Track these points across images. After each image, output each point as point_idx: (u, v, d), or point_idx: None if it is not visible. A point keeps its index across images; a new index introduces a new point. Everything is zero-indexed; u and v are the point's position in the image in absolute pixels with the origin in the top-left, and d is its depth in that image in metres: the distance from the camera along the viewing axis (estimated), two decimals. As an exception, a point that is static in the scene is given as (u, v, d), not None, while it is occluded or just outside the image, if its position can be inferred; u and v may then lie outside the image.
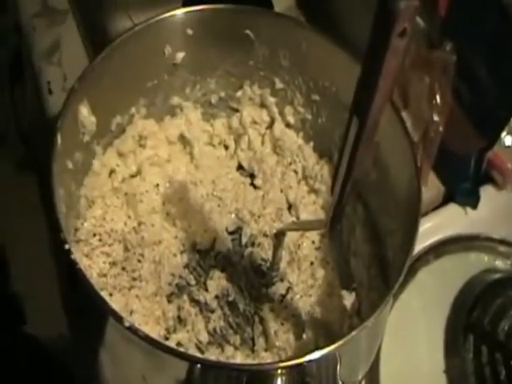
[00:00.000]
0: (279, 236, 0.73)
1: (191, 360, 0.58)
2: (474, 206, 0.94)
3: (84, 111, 0.71)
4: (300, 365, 0.57)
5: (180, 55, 0.79)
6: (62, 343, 0.84)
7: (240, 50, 0.82)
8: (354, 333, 0.59)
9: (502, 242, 0.93)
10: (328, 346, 0.58)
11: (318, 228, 0.74)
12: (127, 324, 0.56)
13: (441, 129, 0.89)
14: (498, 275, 0.90)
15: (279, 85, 0.84)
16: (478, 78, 0.87)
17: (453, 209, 0.94)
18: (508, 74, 0.84)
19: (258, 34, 0.80)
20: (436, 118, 0.89)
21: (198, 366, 0.57)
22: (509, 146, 0.95)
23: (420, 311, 0.86)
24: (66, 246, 0.60)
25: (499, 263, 0.93)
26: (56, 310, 0.84)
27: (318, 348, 0.58)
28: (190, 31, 0.78)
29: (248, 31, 0.80)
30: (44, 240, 0.89)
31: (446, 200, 0.95)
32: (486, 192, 0.95)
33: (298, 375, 0.59)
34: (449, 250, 0.91)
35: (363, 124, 0.51)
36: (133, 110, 0.79)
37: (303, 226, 0.77)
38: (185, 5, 0.79)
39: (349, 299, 0.68)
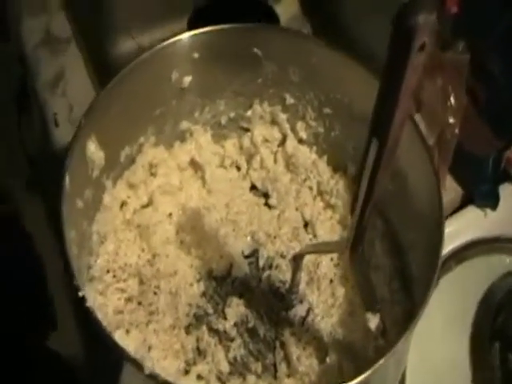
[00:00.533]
0: (297, 259, 0.70)
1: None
2: (494, 207, 0.91)
3: (92, 147, 0.68)
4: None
5: (187, 79, 0.77)
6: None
7: (248, 69, 0.79)
8: (382, 361, 0.57)
9: None
10: (357, 375, 0.56)
11: (337, 251, 0.72)
12: (147, 372, 0.55)
13: (456, 131, 0.86)
14: None
15: (290, 100, 0.81)
16: (493, 77, 0.85)
17: (472, 212, 0.91)
18: None
19: (265, 51, 0.77)
20: (451, 120, 0.86)
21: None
22: None
23: (443, 322, 0.84)
24: (80, 294, 0.58)
25: None
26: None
27: (346, 377, 0.59)
28: (196, 54, 0.75)
29: (255, 49, 0.77)
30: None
31: (465, 203, 0.92)
32: (505, 191, 0.92)
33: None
34: (470, 255, 0.89)
35: (383, 145, 0.49)
36: (142, 139, 0.76)
37: (322, 249, 0.74)
38: (189, 26, 0.78)
39: (373, 321, 0.67)
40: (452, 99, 0.85)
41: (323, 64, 0.76)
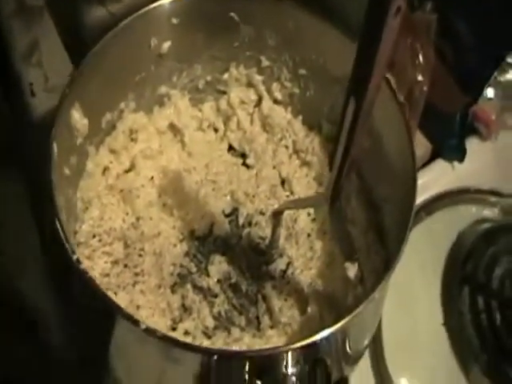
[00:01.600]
0: (277, 215, 0.70)
1: (210, 352, 0.57)
2: (461, 159, 0.92)
3: (76, 115, 0.67)
4: (310, 345, 0.56)
5: (166, 45, 0.74)
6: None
7: (225, 34, 0.77)
8: (360, 308, 0.57)
9: (491, 192, 0.91)
10: (337, 322, 0.56)
11: (316, 205, 0.71)
12: (144, 326, 0.54)
13: (425, 88, 0.85)
14: (488, 225, 0.89)
15: (265, 63, 0.80)
16: (460, 36, 0.85)
17: (440, 165, 0.92)
18: (489, 29, 0.81)
19: (242, 15, 0.75)
20: (420, 78, 0.85)
21: (215, 357, 0.55)
22: (491, 98, 0.92)
23: (416, 269, 0.84)
24: (75, 257, 0.57)
25: (489, 213, 0.91)
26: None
27: (326, 326, 0.56)
28: (174, 20, 0.73)
29: (233, 14, 0.75)
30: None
31: (433, 157, 0.92)
32: (471, 145, 0.93)
33: (308, 353, 0.57)
34: (439, 206, 0.89)
35: (360, 104, 0.49)
36: (122, 105, 0.74)
37: (300, 204, 0.73)
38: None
39: (352, 270, 0.67)
40: (420, 58, 0.84)
41: (299, 27, 0.75)
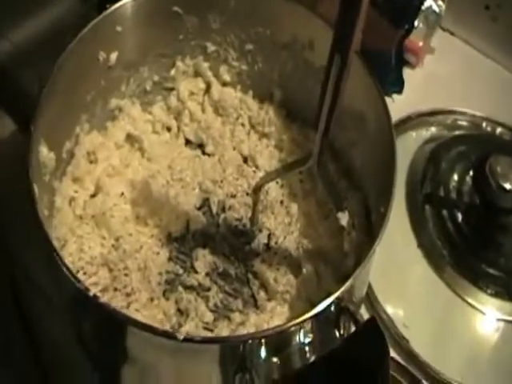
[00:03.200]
0: (256, 191, 0.53)
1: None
2: (401, 90, 0.72)
3: (44, 151, 0.47)
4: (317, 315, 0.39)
5: (113, 56, 0.54)
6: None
7: (169, 29, 0.56)
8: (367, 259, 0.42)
9: (430, 113, 0.72)
10: (344, 281, 0.41)
11: (301, 166, 0.50)
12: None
13: (360, 35, 0.60)
14: (434, 143, 0.70)
15: (211, 48, 0.59)
16: None
17: None
18: None
19: (185, 6, 0.55)
20: None
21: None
22: (416, 27, 0.71)
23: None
24: (91, 294, 0.39)
25: (433, 133, 0.71)
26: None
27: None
28: (119, 28, 0.53)
29: (176, 7, 0.55)
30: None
31: None
32: (404, 75, 0.72)
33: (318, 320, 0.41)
34: None
35: (345, 59, 0.38)
36: (77, 129, 0.54)
37: (284, 171, 0.54)
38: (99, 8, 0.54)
39: (344, 218, 0.51)
40: None
41: (241, 3, 0.55)
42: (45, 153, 0.47)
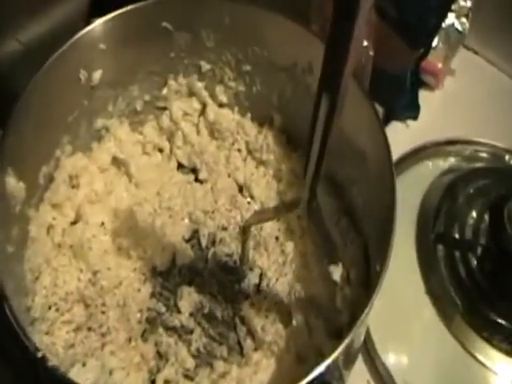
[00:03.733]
0: (246, 229, 0.50)
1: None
2: (416, 116, 0.69)
3: (11, 182, 0.45)
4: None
5: (97, 75, 0.52)
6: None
7: (159, 46, 0.55)
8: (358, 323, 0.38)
9: (448, 142, 0.67)
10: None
11: (292, 210, 0.46)
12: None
13: (371, 53, 0.61)
14: (451, 176, 0.65)
15: (206, 67, 0.57)
16: None
17: (394, 126, 0.69)
18: None
19: (175, 22, 0.53)
20: (364, 44, 0.60)
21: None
22: (435, 47, 0.68)
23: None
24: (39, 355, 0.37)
25: (450, 164, 0.66)
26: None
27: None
28: (102, 46, 0.51)
29: (164, 23, 0.53)
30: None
31: (386, 120, 0.68)
32: (420, 98, 0.69)
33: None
34: (401, 169, 0.65)
35: (335, 98, 0.34)
36: (57, 152, 0.52)
37: (272, 214, 0.51)
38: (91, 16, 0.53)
39: (337, 272, 0.47)
40: None
41: (238, 21, 0.53)
42: (12, 183, 0.44)
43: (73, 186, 0.52)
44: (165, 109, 0.58)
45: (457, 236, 0.60)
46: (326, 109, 0.34)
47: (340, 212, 0.54)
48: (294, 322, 0.50)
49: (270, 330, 0.50)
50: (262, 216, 0.51)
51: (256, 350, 0.50)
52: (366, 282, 0.49)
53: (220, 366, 0.49)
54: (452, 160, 0.66)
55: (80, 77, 0.50)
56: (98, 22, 0.49)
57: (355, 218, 0.53)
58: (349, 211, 0.54)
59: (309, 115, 0.52)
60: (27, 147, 0.46)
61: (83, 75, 0.51)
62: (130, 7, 0.50)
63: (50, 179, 0.50)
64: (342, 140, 0.50)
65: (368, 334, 0.56)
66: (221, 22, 0.53)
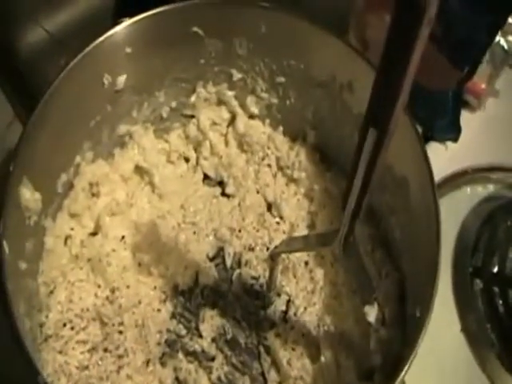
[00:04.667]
0: (275, 256, 0.50)
1: None
2: (456, 138, 0.68)
3: (26, 193, 0.45)
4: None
5: (121, 79, 0.52)
6: None
7: (188, 52, 0.54)
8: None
9: (490, 168, 0.67)
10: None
11: (324, 245, 0.46)
12: None
13: None
14: (492, 204, 0.65)
15: (237, 76, 0.57)
16: (448, 7, 0.58)
17: (433, 147, 0.68)
18: None
19: (206, 28, 0.53)
20: None
21: None
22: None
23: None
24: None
25: (491, 191, 0.66)
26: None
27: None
28: (128, 49, 0.51)
29: (195, 28, 0.53)
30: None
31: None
32: (462, 119, 0.68)
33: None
34: (440, 194, 0.63)
35: (383, 134, 0.33)
36: (78, 158, 0.52)
37: (303, 246, 0.49)
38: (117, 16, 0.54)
39: (372, 313, 0.45)
40: None
41: (274, 30, 0.53)
42: (27, 194, 0.44)
43: (93, 195, 0.53)
44: (192, 117, 0.58)
45: (496, 270, 0.60)
46: (372, 144, 0.33)
47: (375, 242, 0.54)
48: (323, 359, 0.49)
49: (297, 364, 0.50)
50: (291, 245, 0.50)
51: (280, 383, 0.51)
52: (400, 321, 0.48)
53: (242, 397, 0.51)
54: (492, 187, 0.66)
55: (104, 81, 0.51)
56: (125, 24, 0.49)
57: (392, 250, 0.53)
58: (385, 242, 0.54)
59: (344, 134, 0.53)
60: (45, 153, 0.47)
61: (107, 79, 0.51)
62: (159, 9, 0.50)
63: (70, 187, 0.50)
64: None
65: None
66: (255, 30, 0.53)
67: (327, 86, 0.54)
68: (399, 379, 0.38)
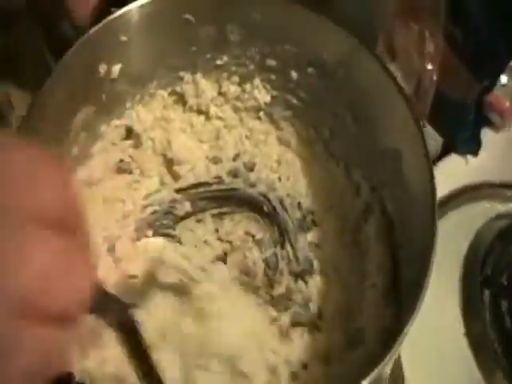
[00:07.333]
0: None
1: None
2: (476, 152, 0.76)
3: None
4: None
5: (116, 68, 0.58)
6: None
7: (180, 39, 0.61)
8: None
9: (507, 185, 0.76)
10: None
11: None
12: None
13: (435, 77, 0.69)
14: (506, 221, 0.73)
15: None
16: (471, 18, 0.68)
17: (453, 160, 0.76)
18: (504, 6, 0.66)
19: (198, 15, 0.59)
20: (429, 67, 0.69)
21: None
22: (504, 85, 0.75)
23: (432, 276, 0.67)
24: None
25: (506, 208, 0.74)
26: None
27: None
28: (124, 37, 0.57)
29: (187, 15, 0.59)
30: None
31: (444, 152, 0.76)
32: (484, 136, 0.77)
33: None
34: (453, 205, 0.73)
35: None
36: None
37: None
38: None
39: None
40: (429, 44, 0.69)
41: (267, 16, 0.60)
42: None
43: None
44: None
45: (505, 285, 0.68)
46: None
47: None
48: None
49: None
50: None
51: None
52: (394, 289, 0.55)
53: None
54: (509, 205, 0.74)
55: (99, 70, 0.56)
56: (119, 12, 0.55)
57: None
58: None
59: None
60: (42, 144, 0.49)
61: (103, 68, 0.57)
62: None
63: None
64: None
65: (400, 372, 0.62)
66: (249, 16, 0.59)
67: (321, 67, 0.61)
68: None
